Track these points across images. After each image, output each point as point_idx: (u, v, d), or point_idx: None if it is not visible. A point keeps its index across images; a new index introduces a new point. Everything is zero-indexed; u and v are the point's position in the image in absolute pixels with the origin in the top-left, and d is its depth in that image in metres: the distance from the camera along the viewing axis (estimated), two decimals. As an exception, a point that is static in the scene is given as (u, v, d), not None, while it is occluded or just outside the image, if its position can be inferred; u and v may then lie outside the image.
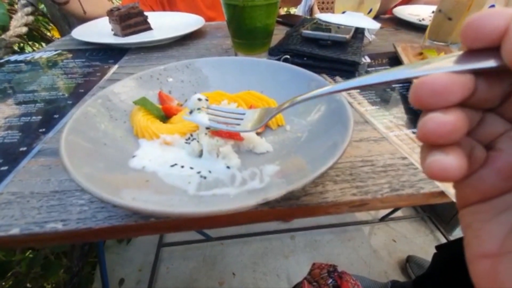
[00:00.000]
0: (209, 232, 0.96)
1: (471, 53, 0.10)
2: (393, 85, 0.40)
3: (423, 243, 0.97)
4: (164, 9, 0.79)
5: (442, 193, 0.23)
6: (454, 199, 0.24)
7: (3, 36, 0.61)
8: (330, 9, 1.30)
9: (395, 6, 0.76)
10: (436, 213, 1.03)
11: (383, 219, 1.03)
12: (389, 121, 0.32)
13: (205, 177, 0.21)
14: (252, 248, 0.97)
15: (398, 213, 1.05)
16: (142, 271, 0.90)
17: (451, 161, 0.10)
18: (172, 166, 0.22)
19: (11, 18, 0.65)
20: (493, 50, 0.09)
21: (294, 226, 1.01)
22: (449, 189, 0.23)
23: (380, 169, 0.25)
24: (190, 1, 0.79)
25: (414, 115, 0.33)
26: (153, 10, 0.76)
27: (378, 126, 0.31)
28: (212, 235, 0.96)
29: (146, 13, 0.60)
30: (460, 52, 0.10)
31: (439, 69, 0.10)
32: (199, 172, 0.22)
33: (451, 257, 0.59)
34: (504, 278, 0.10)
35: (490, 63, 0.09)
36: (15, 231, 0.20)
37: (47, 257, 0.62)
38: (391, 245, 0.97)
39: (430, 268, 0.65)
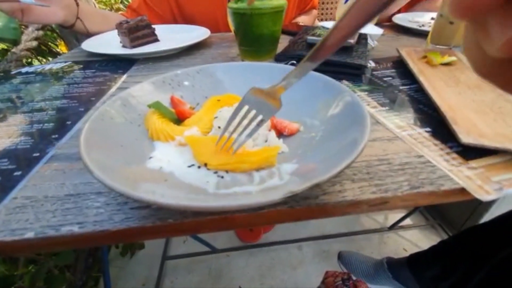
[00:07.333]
0: (214, 243, 0.94)
1: None
2: (400, 87, 0.40)
3: (434, 251, 0.94)
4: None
5: (463, 190, 0.23)
6: (476, 196, 0.23)
7: (13, 50, 0.62)
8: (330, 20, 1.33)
9: (394, 14, 0.78)
10: (447, 220, 1.01)
11: (392, 227, 1.00)
12: (400, 121, 0.32)
13: (222, 177, 0.21)
14: (259, 259, 0.94)
15: (407, 221, 1.03)
16: (145, 286, 0.87)
17: None
18: (189, 166, 0.22)
19: (22, 33, 0.67)
20: None
21: (301, 236, 0.99)
22: (471, 186, 0.23)
23: (398, 167, 0.25)
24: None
25: (425, 115, 0.33)
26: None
27: (390, 126, 0.31)
28: (217, 246, 0.94)
29: (153, 26, 0.61)
30: None
31: None
32: (216, 172, 0.21)
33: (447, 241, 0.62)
34: None
35: None
36: (29, 235, 0.19)
37: (50, 271, 0.61)
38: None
39: (426, 249, 0.67)
